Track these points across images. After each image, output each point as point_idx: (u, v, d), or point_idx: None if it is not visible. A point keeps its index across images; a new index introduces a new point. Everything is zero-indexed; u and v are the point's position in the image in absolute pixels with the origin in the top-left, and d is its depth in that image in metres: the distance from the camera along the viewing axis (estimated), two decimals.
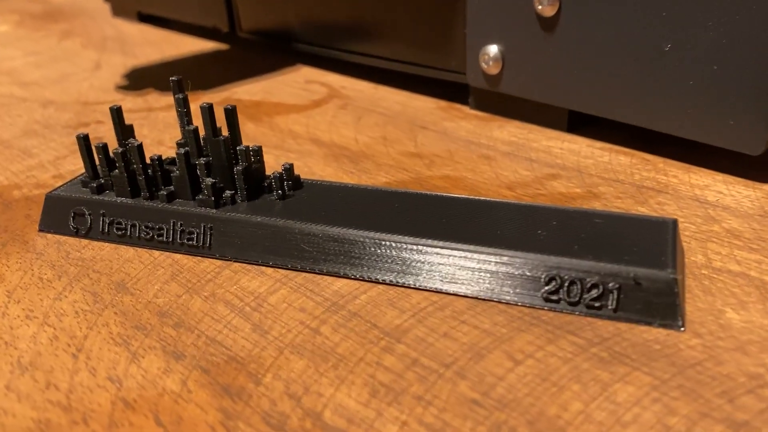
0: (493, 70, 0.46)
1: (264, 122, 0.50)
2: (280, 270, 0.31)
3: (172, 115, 0.52)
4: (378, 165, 0.42)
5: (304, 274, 0.31)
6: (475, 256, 0.28)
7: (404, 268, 0.29)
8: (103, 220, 0.34)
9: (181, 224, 0.33)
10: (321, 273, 0.31)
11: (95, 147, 0.35)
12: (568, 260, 0.27)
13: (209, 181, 0.33)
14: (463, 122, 0.48)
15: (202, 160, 0.33)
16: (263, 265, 0.32)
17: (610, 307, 0.26)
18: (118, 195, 0.35)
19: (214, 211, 0.33)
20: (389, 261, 0.30)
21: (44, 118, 0.53)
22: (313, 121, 0.50)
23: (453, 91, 0.53)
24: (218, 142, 0.33)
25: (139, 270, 0.32)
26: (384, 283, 0.30)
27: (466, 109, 0.50)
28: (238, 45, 0.72)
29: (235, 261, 0.32)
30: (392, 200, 0.33)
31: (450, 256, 0.29)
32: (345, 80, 0.58)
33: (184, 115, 0.34)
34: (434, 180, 0.39)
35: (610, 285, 0.26)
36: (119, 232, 0.34)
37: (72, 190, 0.36)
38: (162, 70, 0.65)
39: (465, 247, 0.29)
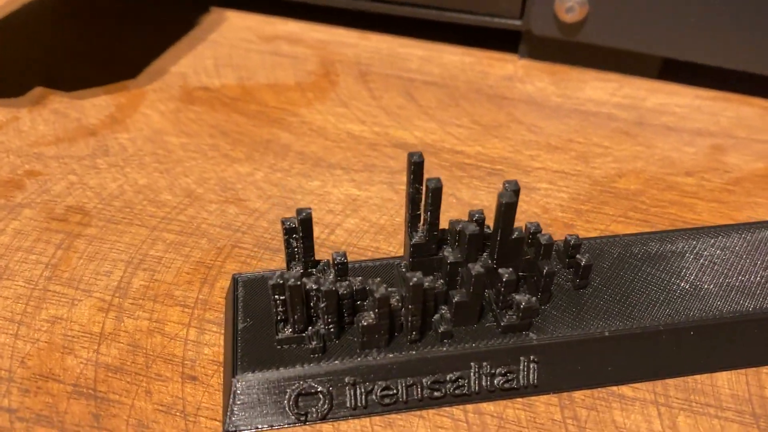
0: (575, 17, 0.38)
1: (294, 125, 0.36)
2: (636, 386, 0.24)
3: (83, 123, 0.35)
4: (526, 172, 0.34)
5: (669, 382, 0.24)
6: None
7: None
8: (356, 391, 0.23)
9: (488, 366, 0.23)
10: (692, 373, 0.25)
11: (312, 291, 0.22)
12: None
13: (525, 299, 0.23)
14: (537, 81, 0.40)
15: (509, 276, 0.23)
16: (611, 385, 0.24)
17: None
18: (366, 346, 0.23)
19: (533, 336, 0.24)
20: None
21: None
22: (356, 111, 0.38)
23: (473, 33, 0.44)
24: (518, 244, 0.23)
25: None
26: None
27: (514, 58, 0.42)
28: None
29: (570, 391, 0.24)
30: (706, 244, 0.27)
31: None
32: (313, 29, 0.45)
33: (437, 201, 0.23)
34: (616, 183, 0.33)
35: None
36: (387, 401, 0.23)
37: (268, 358, 0.23)
38: None
39: None
